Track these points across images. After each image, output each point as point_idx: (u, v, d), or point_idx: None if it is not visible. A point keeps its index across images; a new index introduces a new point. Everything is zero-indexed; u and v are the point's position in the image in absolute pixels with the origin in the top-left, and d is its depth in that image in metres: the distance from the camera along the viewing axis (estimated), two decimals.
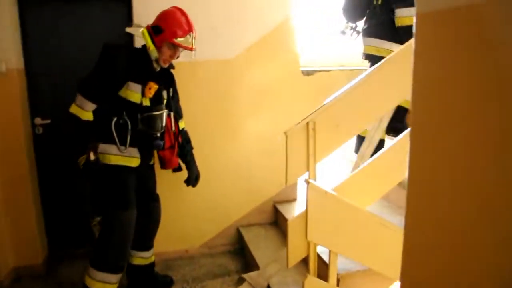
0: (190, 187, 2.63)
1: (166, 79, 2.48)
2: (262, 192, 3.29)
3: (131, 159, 2.35)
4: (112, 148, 2.29)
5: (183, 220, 3.13)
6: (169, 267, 3.04)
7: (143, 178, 2.53)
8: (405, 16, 2.74)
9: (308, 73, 3.21)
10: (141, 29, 2.33)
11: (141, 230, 2.54)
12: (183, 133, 2.65)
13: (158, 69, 2.37)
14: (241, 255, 3.20)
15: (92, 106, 2.22)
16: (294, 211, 3.15)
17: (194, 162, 2.68)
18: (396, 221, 2.44)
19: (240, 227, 3.27)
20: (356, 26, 3.13)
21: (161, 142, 2.43)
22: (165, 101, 2.45)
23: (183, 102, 2.68)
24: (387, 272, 1.97)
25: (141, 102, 2.29)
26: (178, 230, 3.13)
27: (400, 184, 2.28)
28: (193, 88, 2.96)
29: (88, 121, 2.22)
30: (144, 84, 2.29)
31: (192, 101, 2.93)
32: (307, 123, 2.07)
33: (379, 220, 2.03)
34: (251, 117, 3.16)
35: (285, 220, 2.84)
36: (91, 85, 2.23)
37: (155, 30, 2.28)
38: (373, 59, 2.89)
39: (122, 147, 2.29)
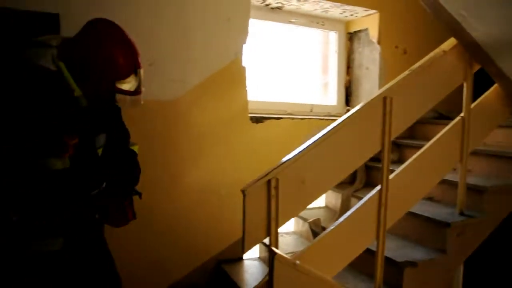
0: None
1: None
2: (204, 250, 2.87)
3: None
4: None
5: None
6: None
7: None
8: None
9: (257, 120, 2.95)
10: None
11: None
12: None
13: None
14: None
15: None
16: (243, 273, 2.77)
17: None
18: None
19: None
20: None
21: None
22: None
23: None
24: None
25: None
26: None
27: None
28: None
29: None
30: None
31: None
32: (269, 181, 1.77)
33: None
34: (193, 166, 2.79)
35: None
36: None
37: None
38: None
39: None
